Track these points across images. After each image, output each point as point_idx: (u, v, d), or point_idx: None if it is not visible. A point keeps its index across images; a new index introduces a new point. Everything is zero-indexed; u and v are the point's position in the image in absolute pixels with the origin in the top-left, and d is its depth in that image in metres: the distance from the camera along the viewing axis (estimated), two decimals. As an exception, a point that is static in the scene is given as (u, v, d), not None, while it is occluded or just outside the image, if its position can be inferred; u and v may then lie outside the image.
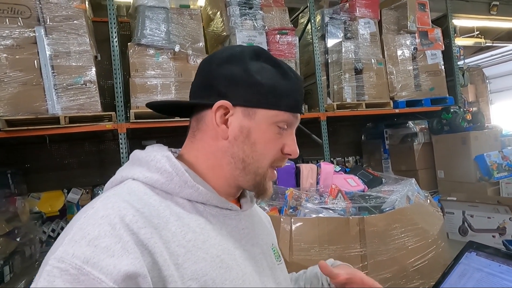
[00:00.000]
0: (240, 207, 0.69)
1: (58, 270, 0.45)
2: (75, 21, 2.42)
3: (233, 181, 0.65)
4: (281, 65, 0.65)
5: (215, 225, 0.61)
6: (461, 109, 3.82)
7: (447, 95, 3.90)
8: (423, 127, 4.05)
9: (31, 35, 2.32)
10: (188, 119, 0.71)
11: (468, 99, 8.70)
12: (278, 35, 3.12)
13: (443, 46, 3.92)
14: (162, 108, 0.73)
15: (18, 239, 2.48)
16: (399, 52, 3.69)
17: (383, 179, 2.11)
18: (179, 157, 0.66)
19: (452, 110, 3.79)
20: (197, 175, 0.63)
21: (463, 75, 4.24)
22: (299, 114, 0.67)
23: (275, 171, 0.67)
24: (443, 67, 3.89)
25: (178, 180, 0.59)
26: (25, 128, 2.34)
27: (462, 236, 3.27)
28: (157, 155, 0.61)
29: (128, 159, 0.67)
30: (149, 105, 0.68)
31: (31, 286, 0.47)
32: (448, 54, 4.00)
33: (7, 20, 2.28)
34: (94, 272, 0.45)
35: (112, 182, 0.63)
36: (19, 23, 2.29)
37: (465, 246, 0.89)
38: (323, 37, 3.56)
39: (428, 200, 1.96)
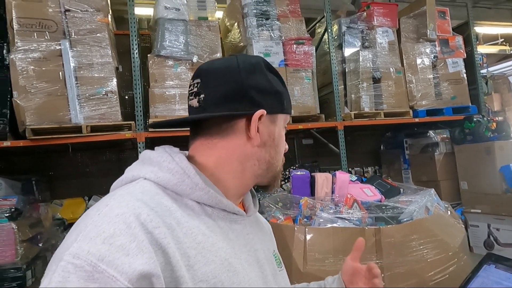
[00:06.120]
0: (245, 212, 0.70)
1: (73, 266, 0.45)
2: (98, 34, 2.52)
3: (252, 181, 0.68)
4: (279, 75, 0.73)
5: (223, 229, 0.62)
6: (485, 118, 3.69)
7: (470, 103, 3.79)
8: (445, 136, 3.93)
9: (57, 48, 2.42)
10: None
11: (493, 108, 8.40)
12: (294, 45, 3.13)
13: (465, 54, 3.83)
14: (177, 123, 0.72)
15: (40, 245, 2.55)
16: (418, 61, 3.63)
17: (401, 189, 2.05)
18: (190, 159, 0.67)
19: (475, 119, 3.66)
20: (207, 178, 0.63)
21: (486, 83, 4.12)
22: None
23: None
24: (465, 75, 3.79)
25: (189, 182, 0.60)
26: (49, 136, 2.43)
27: (487, 251, 3.12)
28: (169, 156, 0.62)
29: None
30: (159, 124, 0.74)
31: (43, 281, 0.46)
32: (470, 62, 3.90)
33: (35, 34, 2.39)
34: (109, 270, 0.45)
35: (122, 181, 0.64)
36: (46, 37, 2.41)
37: (483, 258, 0.86)
38: (340, 47, 3.54)
39: (449, 211, 1.89)
